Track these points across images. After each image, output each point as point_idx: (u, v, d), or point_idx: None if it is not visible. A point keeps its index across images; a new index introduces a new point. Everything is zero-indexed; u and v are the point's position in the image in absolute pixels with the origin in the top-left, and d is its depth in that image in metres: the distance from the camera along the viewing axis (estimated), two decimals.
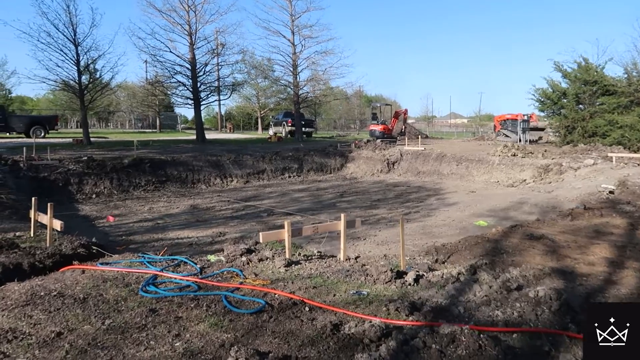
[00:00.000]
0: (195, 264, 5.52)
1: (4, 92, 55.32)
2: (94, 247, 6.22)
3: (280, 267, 5.37)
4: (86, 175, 14.74)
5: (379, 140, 25.54)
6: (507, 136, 30.97)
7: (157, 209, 12.79)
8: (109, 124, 68.84)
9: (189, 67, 24.06)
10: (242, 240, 7.14)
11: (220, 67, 26.26)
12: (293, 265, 5.63)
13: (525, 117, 29.88)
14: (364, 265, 5.70)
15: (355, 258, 6.47)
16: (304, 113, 36.15)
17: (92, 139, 25.76)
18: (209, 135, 34.41)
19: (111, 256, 6.04)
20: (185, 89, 24.76)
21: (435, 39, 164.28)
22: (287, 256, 5.81)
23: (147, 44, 23.88)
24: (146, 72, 32.25)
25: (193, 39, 24.25)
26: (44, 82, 19.42)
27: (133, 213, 12.14)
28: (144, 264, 5.50)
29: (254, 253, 6.03)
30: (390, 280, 4.72)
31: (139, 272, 5.08)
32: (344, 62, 37.65)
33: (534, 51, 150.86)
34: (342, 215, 6.03)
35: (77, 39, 20.20)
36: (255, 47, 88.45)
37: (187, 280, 4.84)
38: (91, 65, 20.52)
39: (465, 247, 6.84)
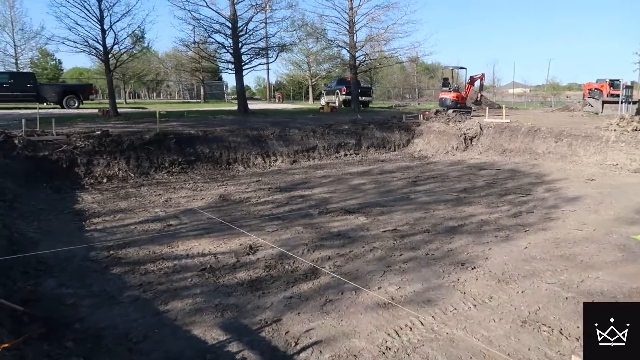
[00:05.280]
0: None
1: (54, 61, 54.65)
2: None
3: None
4: (97, 153, 11.95)
5: (451, 111, 21.51)
6: (591, 106, 26.40)
7: (177, 200, 9.79)
8: (159, 94, 67.49)
9: (229, 25, 20.76)
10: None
11: (266, 24, 22.73)
12: None
13: (628, 84, 25.01)
14: None
15: None
16: (359, 80, 32.28)
17: (127, 110, 23.32)
18: (256, 106, 31.39)
19: None
20: (225, 51, 21.58)
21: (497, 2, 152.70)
22: None
23: None
24: (194, 38, 28.81)
25: None
26: (64, 43, 16.88)
27: (143, 207, 9.18)
28: None
29: None
30: None
31: None
32: (410, 18, 32.29)
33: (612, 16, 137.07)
34: None
35: None
36: (306, 2, 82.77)
37: None
38: (116, 24, 17.67)
39: None
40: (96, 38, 17.36)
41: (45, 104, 24.92)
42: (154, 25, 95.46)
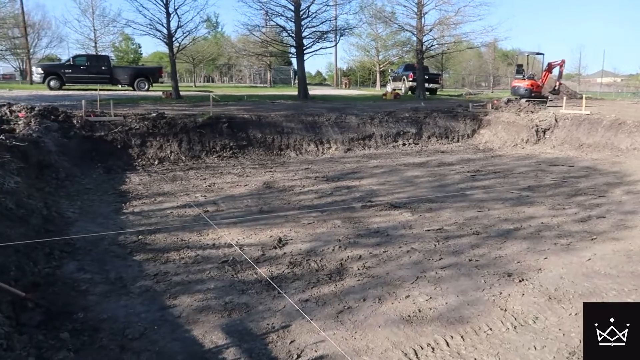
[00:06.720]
0: None
1: (134, 46, 57.41)
2: None
3: None
4: (151, 135, 12.11)
5: (524, 100, 19.95)
6: None
7: (220, 186, 9.64)
8: (232, 78, 69.00)
9: (292, 7, 20.44)
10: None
11: (336, 5, 21.97)
12: None
13: None
14: None
15: None
16: (428, 66, 30.89)
17: (190, 93, 23.83)
18: (320, 91, 31.10)
19: None
20: (287, 35, 21.29)
21: None
22: None
23: None
24: (264, 22, 28.64)
25: None
26: (129, 26, 17.41)
27: (185, 191, 9.11)
28: None
29: None
30: None
31: None
32: (484, 0, 29.81)
33: None
34: None
35: None
36: None
37: None
38: (180, 9, 17.88)
39: None
40: (161, 21, 17.72)
41: (119, 85, 26.02)
42: (217, 9, 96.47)
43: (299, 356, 3.72)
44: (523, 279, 5.15)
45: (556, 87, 23.31)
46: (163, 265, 5.46)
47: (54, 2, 65.63)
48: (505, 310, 4.47)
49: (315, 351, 3.79)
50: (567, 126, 16.36)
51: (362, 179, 10.55)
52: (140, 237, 6.42)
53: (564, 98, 19.44)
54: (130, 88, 25.54)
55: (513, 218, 7.58)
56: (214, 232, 6.67)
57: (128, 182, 9.80)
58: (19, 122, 10.36)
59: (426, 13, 24.25)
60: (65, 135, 10.91)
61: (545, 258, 5.81)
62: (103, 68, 24.67)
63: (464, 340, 3.96)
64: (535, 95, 20.88)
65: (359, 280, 5.14)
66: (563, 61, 21.91)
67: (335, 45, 33.06)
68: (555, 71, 22.36)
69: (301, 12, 20.60)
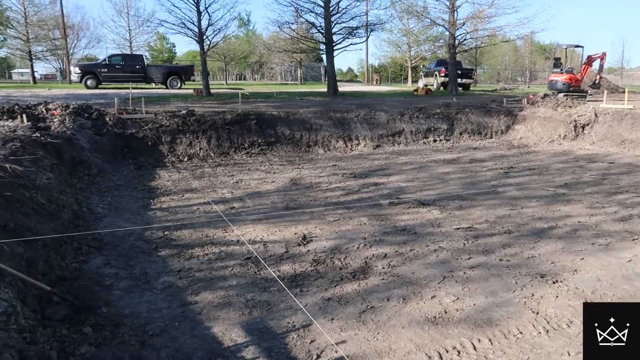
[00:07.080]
0: None
1: (169, 45, 58.52)
2: None
3: None
4: (181, 132, 12.24)
5: (561, 95, 19.23)
6: None
7: (247, 182, 9.65)
8: (263, 76, 69.51)
9: (321, 3, 20.29)
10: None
11: (360, 2, 21.75)
12: None
13: None
14: None
15: None
16: (461, 61, 30.23)
17: (221, 90, 24.06)
18: (350, 88, 30.87)
19: None
20: (317, 31, 21.16)
21: None
22: None
23: None
24: (296, 20, 28.71)
25: None
26: (162, 25, 17.69)
27: (213, 187, 9.15)
28: None
29: None
30: None
31: None
32: None
33: None
34: None
35: None
36: None
37: None
38: (211, 7, 18.09)
39: None
40: (192, 20, 17.94)
41: (153, 84, 26.52)
42: (248, 7, 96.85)
43: (318, 356, 3.63)
44: (557, 281, 4.91)
45: (596, 81, 22.36)
46: (187, 261, 5.46)
47: (91, 3, 67.67)
48: (537, 313, 4.25)
49: (335, 352, 3.68)
50: (608, 121, 15.67)
51: (390, 176, 10.36)
52: (166, 232, 6.46)
53: (605, 92, 18.62)
54: (164, 86, 26.00)
55: (548, 216, 7.27)
56: (239, 229, 6.64)
57: (157, 178, 9.93)
58: (54, 120, 10.64)
59: (459, 6, 23.73)
60: (98, 133, 11.15)
61: (582, 259, 5.53)
62: (137, 67, 25.19)
63: (492, 344, 3.78)
64: (574, 90, 20.10)
65: (383, 279, 5.01)
66: (604, 54, 20.98)
67: (366, 41, 32.82)
68: (596, 64, 21.47)
69: (331, 8, 20.47)
